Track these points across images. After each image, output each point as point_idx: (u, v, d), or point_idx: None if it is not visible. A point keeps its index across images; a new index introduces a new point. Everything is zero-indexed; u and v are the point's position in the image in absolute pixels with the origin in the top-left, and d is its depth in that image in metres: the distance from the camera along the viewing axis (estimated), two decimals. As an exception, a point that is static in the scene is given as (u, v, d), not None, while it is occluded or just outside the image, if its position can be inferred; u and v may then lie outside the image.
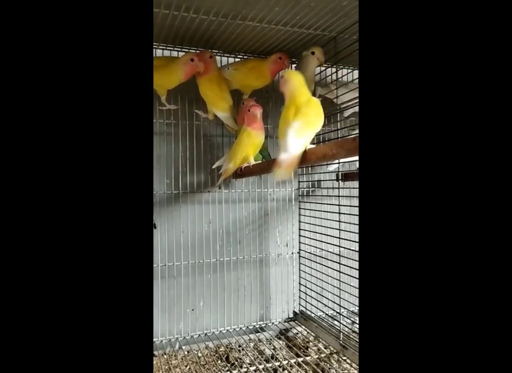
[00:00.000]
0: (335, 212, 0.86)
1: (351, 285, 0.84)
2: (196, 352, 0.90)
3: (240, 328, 1.00)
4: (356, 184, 0.89)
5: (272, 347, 0.91)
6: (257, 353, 0.88)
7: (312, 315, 1.00)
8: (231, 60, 0.96)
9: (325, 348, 0.90)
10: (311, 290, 1.00)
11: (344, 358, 0.83)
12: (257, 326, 1.02)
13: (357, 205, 0.72)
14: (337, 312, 0.88)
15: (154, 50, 0.89)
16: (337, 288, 0.86)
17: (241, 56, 0.96)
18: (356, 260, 0.76)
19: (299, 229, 1.06)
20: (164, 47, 0.89)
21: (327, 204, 0.93)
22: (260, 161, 0.85)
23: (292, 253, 1.07)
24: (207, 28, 0.77)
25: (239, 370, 0.79)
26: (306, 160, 0.60)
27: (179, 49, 0.91)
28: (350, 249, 0.82)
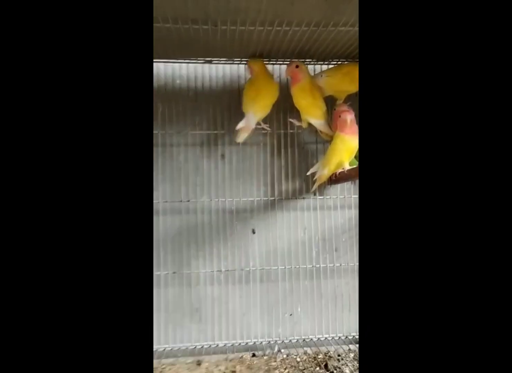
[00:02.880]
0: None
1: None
2: (294, 357, 0.91)
3: (339, 337, 0.98)
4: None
5: (373, 360, 0.87)
6: (357, 364, 0.86)
7: (418, 330, 0.93)
8: (324, 67, 0.97)
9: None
10: (416, 302, 0.93)
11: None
12: (357, 336, 0.99)
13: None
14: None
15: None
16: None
17: (335, 62, 0.96)
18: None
19: (401, 237, 1.00)
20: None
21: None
22: (355, 166, 0.83)
23: (394, 262, 1.01)
24: (300, 38, 0.80)
25: (337, 379, 0.78)
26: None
27: (274, 63, 0.95)
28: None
